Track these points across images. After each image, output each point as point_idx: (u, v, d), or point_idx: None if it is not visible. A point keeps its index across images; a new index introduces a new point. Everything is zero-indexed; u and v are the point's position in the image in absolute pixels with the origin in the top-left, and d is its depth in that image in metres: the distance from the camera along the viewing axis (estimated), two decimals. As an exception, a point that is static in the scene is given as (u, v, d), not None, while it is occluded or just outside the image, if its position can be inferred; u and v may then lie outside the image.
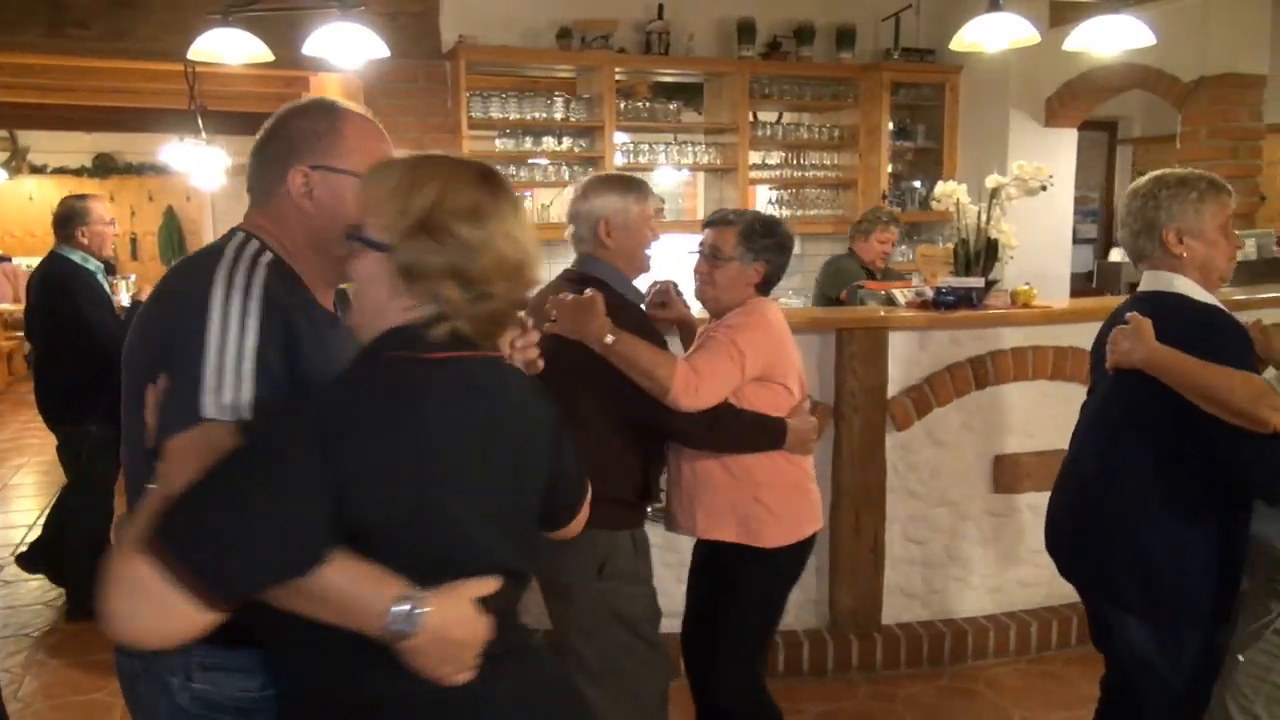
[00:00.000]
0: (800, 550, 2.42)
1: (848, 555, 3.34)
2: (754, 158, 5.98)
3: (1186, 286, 2.04)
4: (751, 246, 2.35)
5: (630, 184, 2.34)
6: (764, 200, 6.22)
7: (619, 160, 5.43)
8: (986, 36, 3.50)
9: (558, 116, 5.34)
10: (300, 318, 1.31)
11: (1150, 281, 2.11)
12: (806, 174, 6.12)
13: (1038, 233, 5.67)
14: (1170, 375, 1.90)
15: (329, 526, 1.07)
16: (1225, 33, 4.71)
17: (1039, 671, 3.41)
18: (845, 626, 3.38)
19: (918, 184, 6.07)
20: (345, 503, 1.07)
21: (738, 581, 2.41)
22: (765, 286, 2.44)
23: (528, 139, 5.34)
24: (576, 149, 5.45)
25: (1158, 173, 2.12)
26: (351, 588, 1.09)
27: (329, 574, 1.07)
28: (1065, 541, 2.23)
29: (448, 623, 1.12)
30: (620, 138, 5.62)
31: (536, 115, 5.30)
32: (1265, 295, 3.70)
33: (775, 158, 6.15)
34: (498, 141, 5.31)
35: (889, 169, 5.92)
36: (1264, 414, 1.80)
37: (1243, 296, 3.64)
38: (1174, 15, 4.66)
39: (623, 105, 5.49)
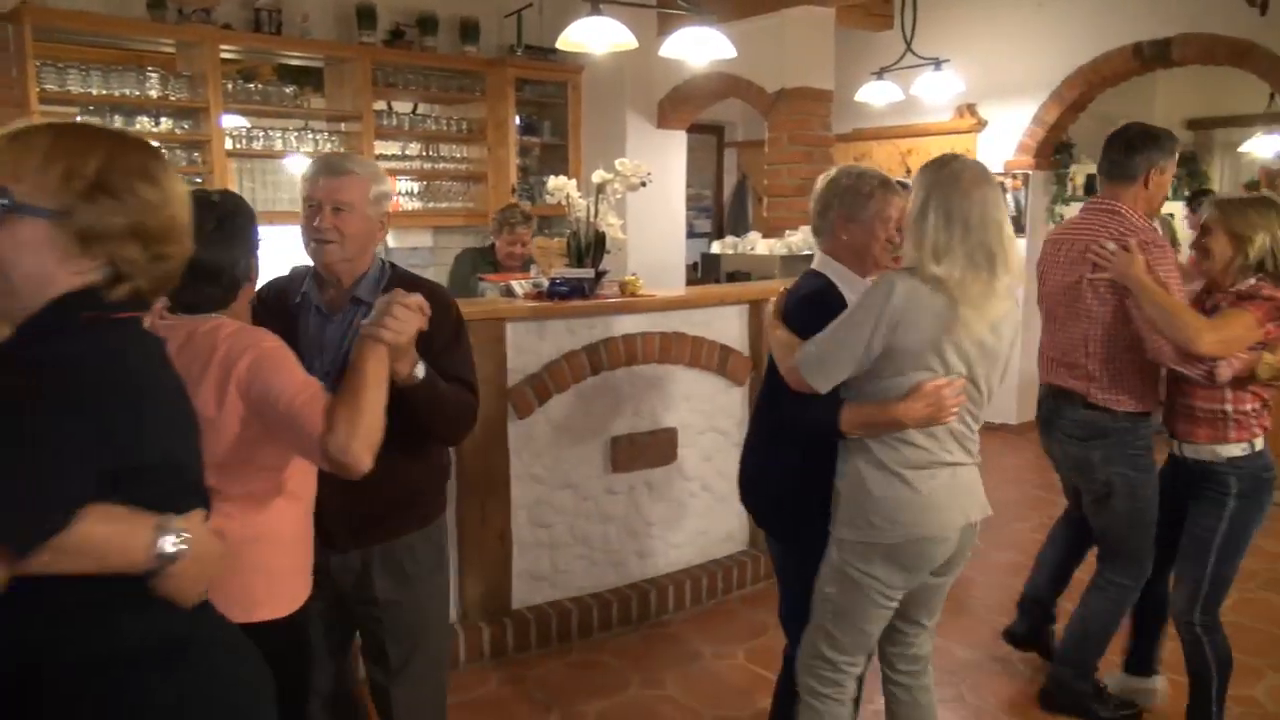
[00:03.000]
0: None
1: (474, 544, 3.36)
2: (391, 148, 5.83)
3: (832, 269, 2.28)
4: None
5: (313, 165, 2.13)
6: (401, 190, 6.09)
7: (229, 145, 5.03)
8: (589, 38, 3.68)
9: (154, 94, 4.84)
10: None
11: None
12: (439, 166, 6.08)
13: (655, 227, 6.10)
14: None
15: (88, 481, 1.12)
16: (798, 51, 5.33)
17: (657, 635, 3.66)
18: (476, 615, 3.40)
19: (547, 179, 6.26)
20: (101, 458, 1.12)
21: None
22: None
23: (117, 117, 4.77)
24: (179, 131, 4.97)
25: (845, 166, 2.36)
26: (112, 530, 1.14)
27: (88, 525, 1.11)
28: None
29: (202, 542, 1.23)
30: (236, 121, 5.21)
31: (127, 91, 4.76)
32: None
33: (413, 148, 6.04)
34: (79, 118, 4.68)
35: (518, 163, 6.05)
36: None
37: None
38: (756, 32, 5.20)
39: (231, 86, 5.09)
